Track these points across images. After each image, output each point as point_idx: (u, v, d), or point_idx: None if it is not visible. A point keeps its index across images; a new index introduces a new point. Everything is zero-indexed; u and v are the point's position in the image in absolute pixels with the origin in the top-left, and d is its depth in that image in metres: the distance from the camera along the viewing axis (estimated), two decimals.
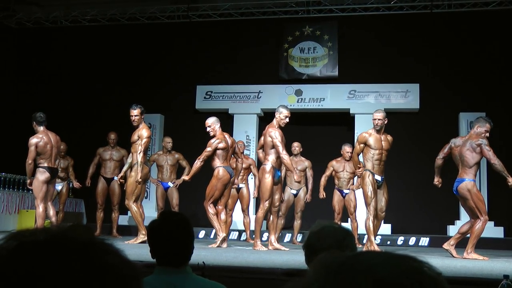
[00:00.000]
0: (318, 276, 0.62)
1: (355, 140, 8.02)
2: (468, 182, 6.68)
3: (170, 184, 9.76)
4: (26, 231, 0.64)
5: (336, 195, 9.31)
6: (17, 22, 12.33)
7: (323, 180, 9.35)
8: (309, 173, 9.46)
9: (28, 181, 7.71)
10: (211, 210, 7.57)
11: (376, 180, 7.10)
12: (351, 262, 0.61)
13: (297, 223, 9.37)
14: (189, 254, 2.19)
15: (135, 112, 7.65)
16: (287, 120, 7.34)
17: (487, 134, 6.73)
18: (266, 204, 7.28)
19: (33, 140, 7.56)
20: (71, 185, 9.98)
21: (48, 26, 12.37)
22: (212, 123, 7.68)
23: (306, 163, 9.46)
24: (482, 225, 6.57)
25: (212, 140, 7.59)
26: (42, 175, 7.61)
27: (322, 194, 9.34)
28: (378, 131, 7.19)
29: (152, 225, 2.23)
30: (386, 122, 7.24)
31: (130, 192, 7.63)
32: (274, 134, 7.27)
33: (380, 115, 7.17)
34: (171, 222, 2.19)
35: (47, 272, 0.57)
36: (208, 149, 7.56)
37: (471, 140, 6.75)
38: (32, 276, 0.57)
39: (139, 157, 7.51)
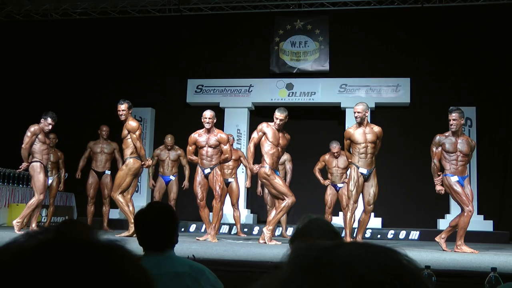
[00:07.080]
0: (294, 274, 0.58)
1: None
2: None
3: (171, 177, 9.84)
4: (43, 230, 0.63)
5: (329, 189, 9.33)
6: (6, 14, 12.23)
7: (317, 173, 9.35)
8: (288, 166, 9.50)
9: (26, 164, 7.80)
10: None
11: (362, 173, 7.13)
12: (328, 257, 0.58)
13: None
14: (173, 238, 2.32)
15: (122, 107, 7.70)
16: (278, 121, 7.28)
17: (451, 124, 6.75)
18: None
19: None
20: (61, 178, 9.93)
21: (38, 19, 12.27)
22: (213, 117, 7.67)
23: (285, 156, 9.41)
24: (467, 217, 6.60)
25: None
26: (43, 171, 7.84)
27: (325, 182, 9.32)
28: (360, 124, 7.21)
29: (138, 214, 2.37)
30: (367, 114, 7.27)
31: (118, 184, 7.67)
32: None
33: (359, 108, 7.15)
34: (155, 209, 2.36)
35: (67, 275, 0.56)
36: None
37: None
38: (52, 278, 0.56)
39: (142, 150, 7.71)
